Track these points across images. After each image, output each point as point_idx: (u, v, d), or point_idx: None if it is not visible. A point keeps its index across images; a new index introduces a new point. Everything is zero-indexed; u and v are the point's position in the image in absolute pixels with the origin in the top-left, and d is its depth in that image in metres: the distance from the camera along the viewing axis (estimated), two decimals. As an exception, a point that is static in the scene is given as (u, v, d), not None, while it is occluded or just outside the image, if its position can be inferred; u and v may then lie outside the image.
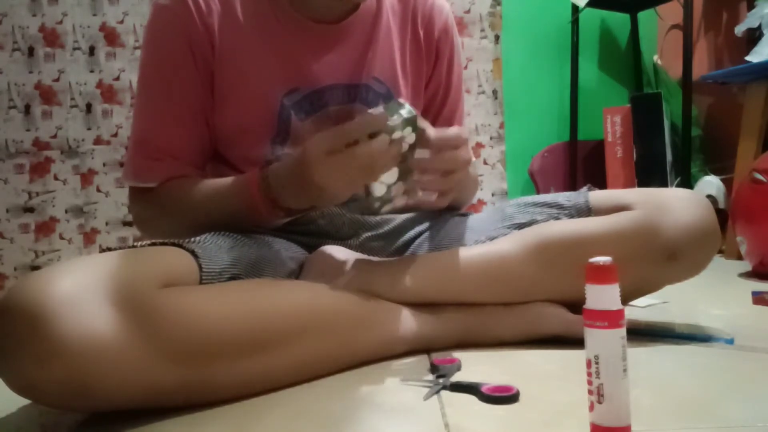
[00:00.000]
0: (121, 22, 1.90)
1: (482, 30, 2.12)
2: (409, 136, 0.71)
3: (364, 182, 0.72)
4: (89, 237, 1.87)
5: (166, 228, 0.86)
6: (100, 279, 0.56)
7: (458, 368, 0.70)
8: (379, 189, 0.73)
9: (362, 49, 0.90)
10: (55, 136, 1.87)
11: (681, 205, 0.79)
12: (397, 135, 0.69)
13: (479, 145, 2.11)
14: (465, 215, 0.97)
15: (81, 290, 0.54)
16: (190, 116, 0.86)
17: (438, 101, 1.00)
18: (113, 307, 0.54)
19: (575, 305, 0.75)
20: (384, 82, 0.91)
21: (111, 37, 1.90)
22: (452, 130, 0.74)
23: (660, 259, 0.78)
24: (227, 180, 0.82)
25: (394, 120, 0.69)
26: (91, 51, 1.89)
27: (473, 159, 0.77)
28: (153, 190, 0.86)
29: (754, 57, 1.80)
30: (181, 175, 0.85)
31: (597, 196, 0.86)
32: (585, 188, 0.89)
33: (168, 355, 0.57)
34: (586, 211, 0.84)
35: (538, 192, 2.19)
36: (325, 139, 0.70)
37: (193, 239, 0.74)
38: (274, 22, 0.86)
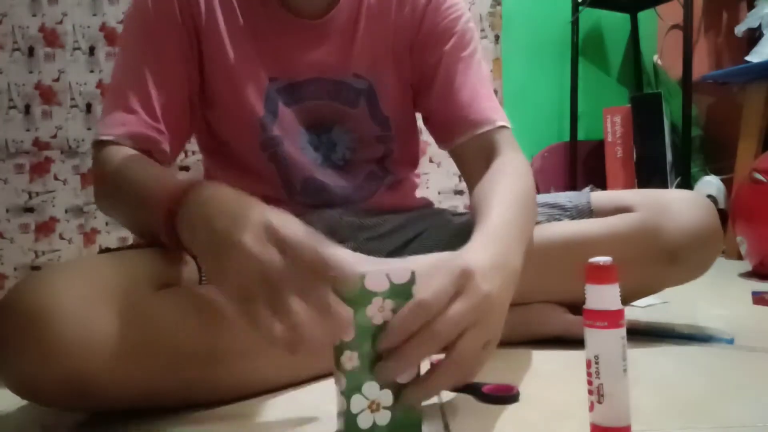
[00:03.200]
0: (121, 22, 1.90)
1: (482, 30, 2.12)
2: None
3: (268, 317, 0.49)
4: (89, 237, 1.87)
5: (121, 210, 0.75)
6: (100, 281, 0.56)
7: (458, 368, 0.70)
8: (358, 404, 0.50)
9: (343, 46, 0.87)
10: (55, 136, 1.87)
11: (683, 207, 0.79)
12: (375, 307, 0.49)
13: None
14: (465, 215, 0.97)
15: (81, 292, 0.54)
16: (174, 79, 0.82)
17: (430, 73, 0.90)
18: (112, 309, 0.54)
19: (576, 306, 0.75)
20: (365, 77, 0.88)
21: (111, 37, 1.90)
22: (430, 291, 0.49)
23: (662, 261, 0.78)
24: (157, 176, 0.68)
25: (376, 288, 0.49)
26: (91, 51, 1.89)
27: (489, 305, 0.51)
28: (112, 166, 0.74)
29: (754, 57, 1.80)
30: (149, 137, 0.78)
31: (598, 198, 0.86)
32: (587, 189, 0.89)
33: (166, 356, 0.57)
34: (588, 212, 0.84)
35: (538, 192, 2.18)
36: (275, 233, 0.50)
37: None
38: (260, 11, 0.85)
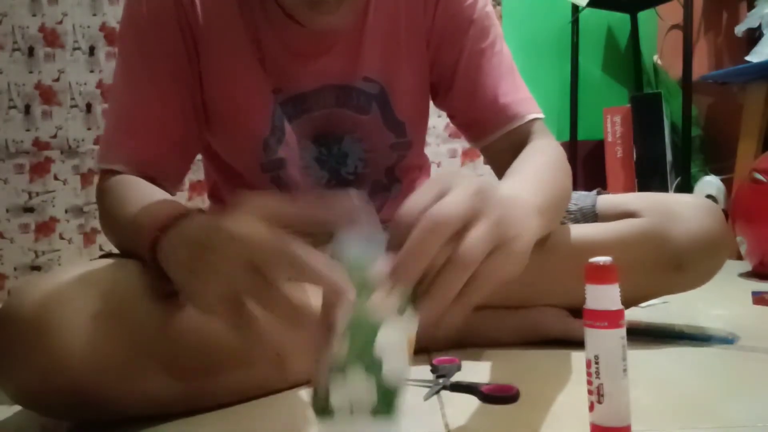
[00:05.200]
0: (121, 22, 1.90)
1: (482, 30, 2.12)
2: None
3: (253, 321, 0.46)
4: (89, 237, 1.87)
5: (118, 243, 0.72)
6: (103, 291, 0.55)
7: (458, 368, 0.70)
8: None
9: (351, 48, 0.81)
10: (55, 136, 1.87)
11: (690, 213, 0.77)
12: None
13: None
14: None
15: (85, 303, 0.53)
16: (175, 98, 0.77)
17: (450, 70, 0.84)
18: (115, 321, 0.54)
19: (578, 309, 0.74)
20: (377, 80, 0.82)
21: (111, 37, 1.90)
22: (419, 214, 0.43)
23: (667, 269, 0.77)
24: (145, 208, 0.64)
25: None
26: (91, 51, 1.89)
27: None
28: (113, 188, 0.73)
29: (754, 57, 1.80)
30: (151, 164, 0.75)
31: (603, 202, 0.84)
32: (594, 192, 0.88)
33: (168, 368, 0.57)
34: (592, 216, 0.84)
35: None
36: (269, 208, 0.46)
37: None
38: (262, 21, 0.79)
